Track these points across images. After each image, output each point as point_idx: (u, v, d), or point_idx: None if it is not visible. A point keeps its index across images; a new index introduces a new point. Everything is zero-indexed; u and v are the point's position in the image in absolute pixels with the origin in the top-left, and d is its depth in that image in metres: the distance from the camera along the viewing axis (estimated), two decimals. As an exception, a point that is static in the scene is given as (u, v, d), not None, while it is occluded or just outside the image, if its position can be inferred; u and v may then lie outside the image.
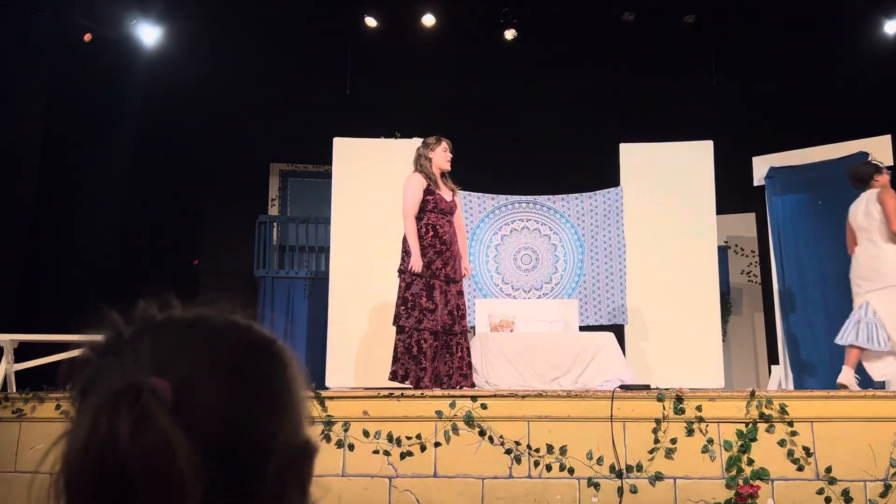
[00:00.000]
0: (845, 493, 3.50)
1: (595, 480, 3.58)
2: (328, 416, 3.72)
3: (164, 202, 7.15)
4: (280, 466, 0.59)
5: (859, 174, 4.69)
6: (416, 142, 4.74)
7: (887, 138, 5.46)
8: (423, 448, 3.64)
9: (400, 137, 6.14)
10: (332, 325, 5.85)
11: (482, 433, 3.65)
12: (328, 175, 6.45)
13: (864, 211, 4.54)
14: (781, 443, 3.57)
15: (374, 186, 5.97)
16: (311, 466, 0.63)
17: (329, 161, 6.25)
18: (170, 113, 6.85)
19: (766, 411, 3.59)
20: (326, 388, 5.45)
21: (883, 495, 3.50)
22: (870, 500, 3.50)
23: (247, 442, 0.58)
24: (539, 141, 7.60)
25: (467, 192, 6.18)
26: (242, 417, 0.58)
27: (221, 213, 8.12)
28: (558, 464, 3.61)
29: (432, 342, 4.37)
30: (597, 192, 6.31)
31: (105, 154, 6.58)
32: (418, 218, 4.50)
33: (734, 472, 3.54)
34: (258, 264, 7.70)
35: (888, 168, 5.45)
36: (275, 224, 8.11)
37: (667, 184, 6.27)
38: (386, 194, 5.60)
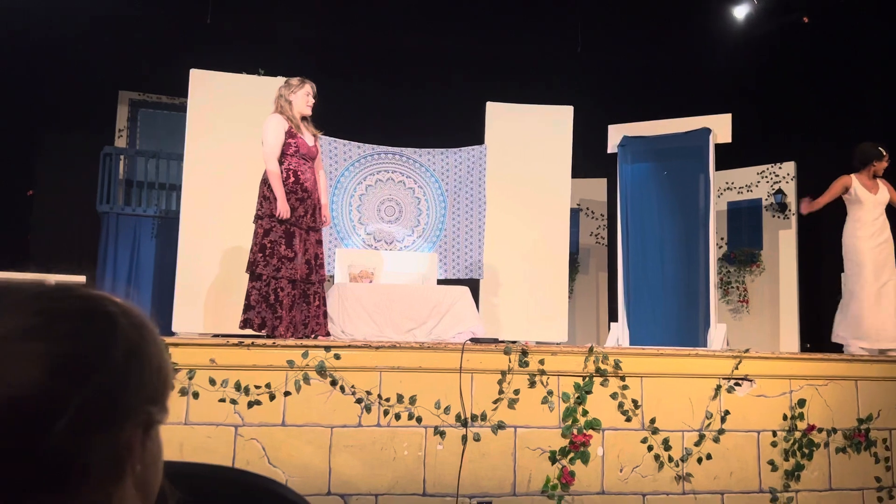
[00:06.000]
0: (665, 441, 3.84)
1: (441, 429, 3.69)
2: (172, 363, 3.56)
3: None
4: (73, 433, 0.56)
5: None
6: (281, 80, 4.55)
7: (728, 117, 5.88)
8: (272, 397, 3.59)
9: (263, 75, 5.88)
10: (182, 268, 5.59)
11: (334, 383, 3.65)
12: (183, 108, 6.07)
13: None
14: (613, 396, 3.84)
15: (232, 124, 5.69)
16: (126, 436, 0.60)
17: (185, 93, 5.87)
18: (5, 29, 6.14)
19: (602, 366, 3.84)
20: (173, 335, 5.23)
21: (697, 444, 3.88)
22: (685, 448, 3.87)
23: (37, 407, 0.55)
24: (408, 91, 7.54)
25: (333, 139, 6.05)
26: (38, 382, 0.56)
27: (62, 141, 7.46)
28: (407, 413, 3.69)
29: (290, 291, 4.28)
30: (462, 148, 6.38)
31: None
32: (279, 162, 4.35)
33: (570, 423, 3.77)
34: (101, 199, 7.18)
35: (724, 145, 5.91)
36: (122, 157, 7.57)
37: (528, 145, 6.44)
38: (245, 133, 5.37)
